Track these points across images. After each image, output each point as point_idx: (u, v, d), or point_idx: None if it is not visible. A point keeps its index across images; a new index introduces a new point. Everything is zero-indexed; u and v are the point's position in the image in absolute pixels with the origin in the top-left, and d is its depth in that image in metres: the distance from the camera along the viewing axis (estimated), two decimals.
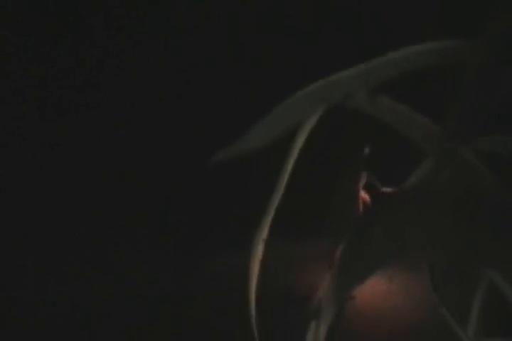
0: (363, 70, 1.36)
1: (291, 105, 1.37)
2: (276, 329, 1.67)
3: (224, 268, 1.85)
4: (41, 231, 2.02)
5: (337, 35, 1.90)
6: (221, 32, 2.00)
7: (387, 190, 1.48)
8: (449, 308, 1.38)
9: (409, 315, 1.49)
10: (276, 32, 1.94)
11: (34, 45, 2.05)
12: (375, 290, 1.37)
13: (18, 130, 2.05)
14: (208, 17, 1.99)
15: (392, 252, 1.28)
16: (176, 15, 1.99)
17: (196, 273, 1.90)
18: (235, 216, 1.86)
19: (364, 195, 1.44)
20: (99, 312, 1.98)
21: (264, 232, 1.37)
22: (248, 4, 1.96)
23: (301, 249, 1.83)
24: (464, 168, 1.32)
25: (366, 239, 1.29)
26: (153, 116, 2.01)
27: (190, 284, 1.90)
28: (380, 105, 1.37)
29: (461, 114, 1.36)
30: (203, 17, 1.99)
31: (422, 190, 1.33)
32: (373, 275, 1.26)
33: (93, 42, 2.03)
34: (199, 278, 1.89)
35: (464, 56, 1.37)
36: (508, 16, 1.33)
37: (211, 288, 1.87)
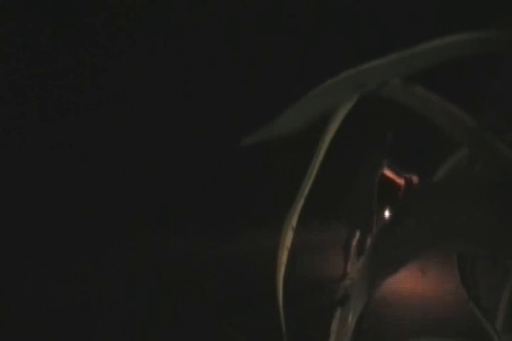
0: (396, 59, 1.34)
1: (323, 92, 1.35)
2: (302, 317, 1.67)
3: (253, 254, 1.85)
4: (40, 230, 2.04)
5: (337, 36, 1.88)
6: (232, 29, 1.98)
7: (420, 179, 1.46)
8: (477, 302, 1.38)
9: (440, 306, 1.48)
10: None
11: (34, 45, 2.06)
12: (407, 280, 1.37)
13: (18, 130, 2.07)
14: (208, 17, 1.98)
15: (425, 243, 1.27)
16: (175, 15, 1.99)
17: (224, 254, 1.90)
18: (264, 203, 1.86)
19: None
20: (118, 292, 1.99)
21: (294, 220, 1.37)
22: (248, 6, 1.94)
23: (326, 237, 1.82)
24: (497, 158, 1.30)
25: (399, 228, 1.28)
26: (179, 104, 2.01)
27: (220, 263, 1.91)
28: (413, 94, 1.36)
29: (494, 105, 1.35)
30: (203, 17, 1.98)
31: (456, 181, 1.32)
32: (406, 265, 1.25)
33: (93, 42, 2.03)
34: (229, 264, 1.90)
35: (498, 47, 1.35)
36: None
37: (241, 275, 1.88)
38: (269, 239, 1.44)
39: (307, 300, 1.72)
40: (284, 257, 1.39)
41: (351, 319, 1.23)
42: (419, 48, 1.34)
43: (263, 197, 1.76)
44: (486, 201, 1.24)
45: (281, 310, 1.40)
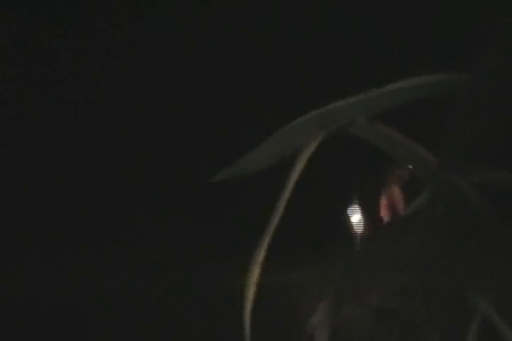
0: (362, 99, 1.38)
1: (291, 130, 1.39)
2: None
3: (220, 291, 1.85)
4: (38, 230, 2.03)
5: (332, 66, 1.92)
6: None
7: (386, 217, 1.50)
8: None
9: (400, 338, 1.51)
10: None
11: (33, 44, 2.06)
12: (366, 312, 1.39)
13: (18, 130, 2.06)
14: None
15: (387, 276, 1.30)
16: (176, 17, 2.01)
17: (191, 294, 1.91)
18: (232, 238, 1.88)
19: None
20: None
21: (260, 256, 1.38)
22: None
23: (297, 273, 1.84)
24: (459, 198, 1.33)
25: (362, 263, 1.30)
26: (155, 131, 2.02)
27: (185, 305, 1.91)
28: (378, 133, 1.39)
29: (457, 146, 1.38)
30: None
31: (420, 219, 1.35)
32: (366, 298, 1.27)
33: (93, 42, 2.04)
34: (194, 299, 1.90)
35: (461, 89, 1.40)
36: (499, 53, 1.36)
37: (206, 309, 1.87)
38: (235, 275, 1.45)
39: (277, 338, 1.72)
40: (250, 293, 1.40)
41: None
42: (383, 89, 1.39)
43: (229, 233, 1.78)
44: (448, 238, 1.27)
45: None
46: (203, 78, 2.00)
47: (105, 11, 2.02)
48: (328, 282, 1.36)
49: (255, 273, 1.39)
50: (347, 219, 1.65)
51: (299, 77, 1.92)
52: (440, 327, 1.40)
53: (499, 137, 1.40)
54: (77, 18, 2.04)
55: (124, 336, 1.98)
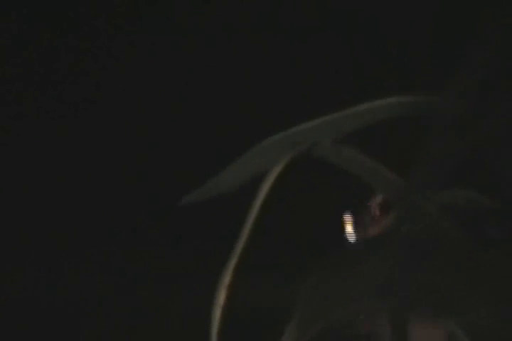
0: (328, 121, 1.40)
1: (258, 152, 1.40)
2: None
3: (186, 313, 1.85)
4: (38, 230, 2.03)
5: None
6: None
7: (352, 238, 1.50)
8: None
9: None
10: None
11: (33, 44, 2.06)
12: (333, 335, 1.39)
13: (18, 130, 2.05)
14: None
15: (353, 298, 1.31)
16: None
17: (158, 316, 1.91)
18: (198, 260, 1.88)
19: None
20: None
21: (227, 278, 1.38)
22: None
23: (265, 294, 1.84)
24: (425, 220, 1.35)
25: (327, 285, 1.31)
26: (124, 155, 2.03)
27: (151, 328, 1.91)
28: (344, 155, 1.40)
29: (423, 168, 1.40)
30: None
31: (385, 241, 1.36)
32: (333, 321, 1.28)
33: (93, 42, 2.05)
34: (160, 321, 1.90)
35: (428, 111, 1.41)
36: (469, 76, 1.38)
37: (173, 332, 1.87)
38: (202, 297, 1.45)
39: None
40: (217, 315, 1.40)
41: None
42: (349, 110, 1.40)
43: (197, 254, 1.77)
44: (413, 261, 1.28)
45: None
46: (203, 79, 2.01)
47: (105, 11, 2.02)
48: (295, 304, 1.36)
49: (222, 296, 1.39)
50: (320, 240, 1.67)
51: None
52: None
53: (466, 158, 1.42)
54: (77, 17, 2.05)
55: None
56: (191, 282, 1.85)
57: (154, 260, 1.94)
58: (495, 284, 1.29)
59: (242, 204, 1.41)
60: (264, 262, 1.76)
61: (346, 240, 1.50)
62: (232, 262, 1.39)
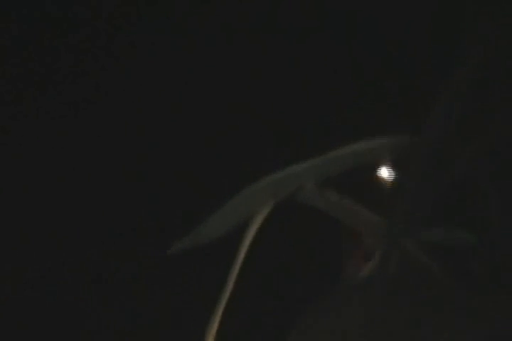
0: (310, 165, 1.43)
1: (241, 199, 1.43)
2: None
3: None
4: (38, 230, 2.02)
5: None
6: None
7: (337, 282, 1.52)
8: None
9: None
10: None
11: (33, 44, 2.07)
12: None
13: (18, 130, 2.06)
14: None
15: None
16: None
17: None
18: (185, 308, 1.88)
19: None
20: None
21: (214, 328, 1.40)
22: None
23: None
24: (408, 260, 1.36)
25: (315, 329, 1.32)
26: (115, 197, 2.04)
27: None
28: (327, 199, 1.42)
29: (403, 207, 1.42)
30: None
31: (370, 283, 1.37)
32: None
33: (93, 42, 2.06)
34: None
35: (406, 152, 1.44)
36: (446, 119, 1.41)
37: None
38: None
39: None
40: None
41: None
42: (332, 154, 1.43)
43: (183, 302, 1.77)
44: (399, 303, 1.29)
45: None
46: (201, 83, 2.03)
47: (105, 11, 2.04)
48: None
49: None
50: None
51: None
52: None
53: (443, 198, 1.44)
54: (77, 18, 2.06)
55: None
56: (179, 330, 1.85)
57: (141, 307, 1.94)
58: (478, 323, 1.31)
59: (227, 250, 1.43)
60: (252, 308, 1.76)
61: (333, 282, 1.52)
62: (220, 309, 1.40)
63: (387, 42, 1.92)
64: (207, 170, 1.91)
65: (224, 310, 1.42)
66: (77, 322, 1.99)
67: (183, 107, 2.01)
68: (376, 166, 1.50)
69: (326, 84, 1.92)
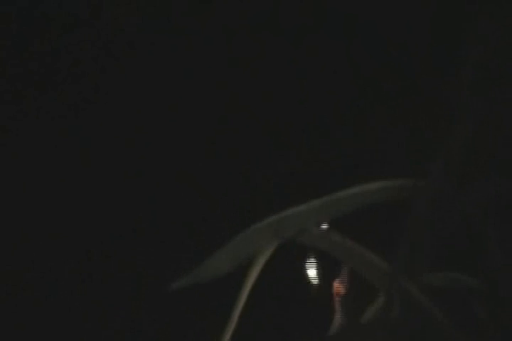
0: (314, 206, 1.43)
1: (245, 238, 1.44)
2: None
3: None
4: (38, 230, 2.01)
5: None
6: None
7: (341, 323, 1.52)
8: None
9: None
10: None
11: (33, 44, 2.08)
12: None
13: (18, 130, 2.06)
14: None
15: None
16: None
17: None
18: None
19: None
20: None
21: None
22: None
23: None
24: (411, 303, 1.37)
25: None
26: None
27: None
28: (330, 241, 1.43)
29: (408, 251, 1.43)
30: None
31: (375, 326, 1.38)
32: None
33: (93, 43, 2.06)
34: None
35: (410, 195, 1.45)
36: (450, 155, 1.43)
37: None
38: None
39: None
40: None
41: None
42: (335, 196, 1.44)
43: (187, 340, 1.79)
44: None
45: None
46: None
47: (105, 11, 2.06)
48: None
49: None
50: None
51: None
52: None
53: (445, 241, 1.45)
54: (77, 18, 2.08)
55: None
56: None
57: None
58: None
59: (230, 290, 1.44)
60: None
61: (335, 325, 1.52)
62: None
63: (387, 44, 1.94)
64: (212, 208, 1.92)
65: None
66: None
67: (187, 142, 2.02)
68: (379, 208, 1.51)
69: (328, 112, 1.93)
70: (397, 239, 1.47)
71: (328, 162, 1.87)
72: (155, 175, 2.01)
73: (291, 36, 2.01)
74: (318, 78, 1.98)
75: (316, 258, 1.60)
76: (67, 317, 1.99)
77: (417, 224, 1.46)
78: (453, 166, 1.48)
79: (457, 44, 1.71)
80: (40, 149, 2.07)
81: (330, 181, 1.71)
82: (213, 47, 2.04)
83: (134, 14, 2.05)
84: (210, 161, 2.02)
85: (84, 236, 2.03)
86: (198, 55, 2.03)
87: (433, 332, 1.37)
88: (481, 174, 1.51)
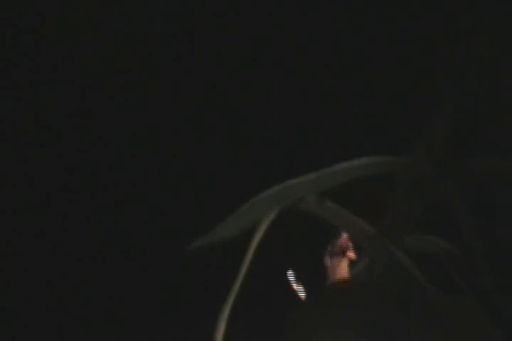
0: (311, 179, 1.64)
1: (251, 206, 1.65)
2: None
3: None
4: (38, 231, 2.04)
5: None
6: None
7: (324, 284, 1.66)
8: None
9: None
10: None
11: (33, 44, 2.09)
12: None
13: (19, 130, 2.06)
14: None
15: (333, 336, 1.50)
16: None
17: None
18: (200, 298, 1.96)
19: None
20: None
21: (226, 312, 1.59)
22: None
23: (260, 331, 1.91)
24: (394, 264, 1.55)
25: (308, 325, 1.52)
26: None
27: None
28: (325, 208, 1.63)
29: (392, 216, 1.62)
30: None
31: (357, 285, 1.56)
32: None
33: (93, 43, 2.07)
34: None
35: (395, 170, 1.65)
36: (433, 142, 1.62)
37: None
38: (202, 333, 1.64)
39: None
40: None
41: None
42: (330, 169, 1.65)
43: (198, 292, 1.83)
44: (384, 305, 1.48)
45: None
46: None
47: (105, 11, 2.08)
48: None
49: (221, 330, 1.60)
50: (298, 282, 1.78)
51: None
52: None
53: (431, 208, 1.63)
54: (77, 18, 2.10)
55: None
56: (186, 331, 1.93)
57: (154, 306, 2.00)
58: (459, 327, 1.50)
59: (237, 251, 1.64)
60: (256, 308, 1.87)
61: (325, 284, 1.66)
62: (231, 298, 1.61)
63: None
64: (223, 182, 2.01)
65: (231, 310, 1.62)
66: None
67: (194, 119, 2.05)
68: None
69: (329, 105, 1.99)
70: (382, 207, 1.66)
71: (324, 140, 1.96)
72: (174, 153, 2.06)
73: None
74: (311, 59, 2.08)
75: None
76: (87, 271, 2.07)
77: (400, 195, 1.65)
78: (434, 145, 1.67)
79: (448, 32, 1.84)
80: (41, 144, 2.15)
81: (324, 157, 1.81)
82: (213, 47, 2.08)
83: (134, 14, 2.08)
84: (223, 142, 2.08)
85: (105, 202, 2.11)
86: (195, 54, 2.08)
87: (412, 288, 1.55)
88: (460, 153, 1.69)
